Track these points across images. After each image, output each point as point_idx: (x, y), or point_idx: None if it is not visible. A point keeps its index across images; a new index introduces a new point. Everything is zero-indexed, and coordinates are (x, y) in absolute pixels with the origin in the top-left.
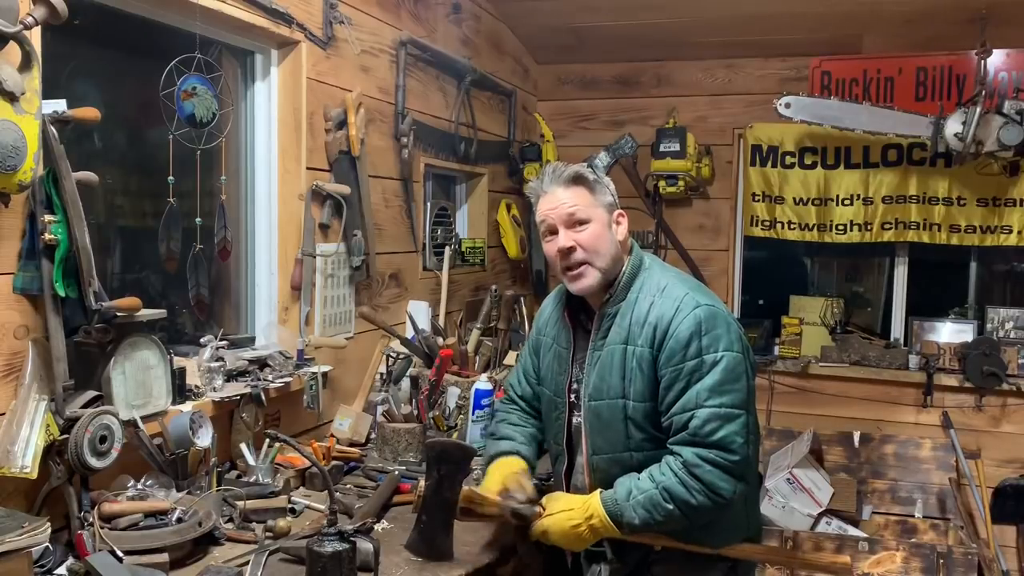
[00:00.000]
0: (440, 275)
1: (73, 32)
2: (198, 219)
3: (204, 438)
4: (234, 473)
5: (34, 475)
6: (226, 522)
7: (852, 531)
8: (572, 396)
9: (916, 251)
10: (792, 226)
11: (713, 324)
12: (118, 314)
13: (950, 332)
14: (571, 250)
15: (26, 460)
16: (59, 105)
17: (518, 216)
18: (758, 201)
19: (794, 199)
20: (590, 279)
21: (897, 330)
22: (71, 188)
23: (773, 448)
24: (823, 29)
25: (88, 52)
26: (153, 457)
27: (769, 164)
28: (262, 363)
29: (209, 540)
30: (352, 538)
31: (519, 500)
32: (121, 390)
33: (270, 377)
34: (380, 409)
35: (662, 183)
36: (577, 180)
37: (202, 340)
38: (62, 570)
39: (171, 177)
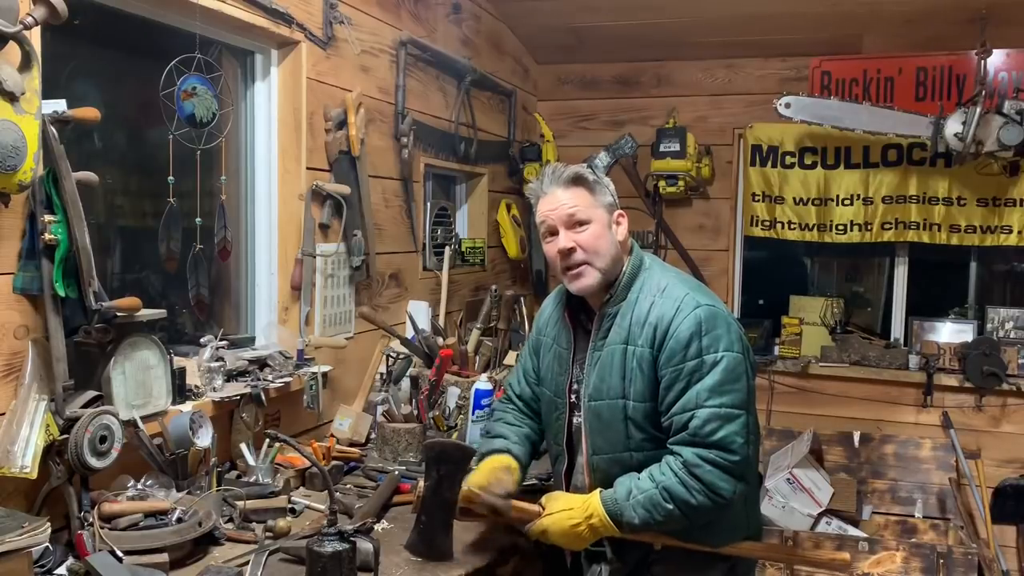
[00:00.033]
0: (440, 275)
1: (73, 32)
2: (198, 219)
3: (204, 438)
4: (234, 473)
5: (34, 475)
6: (226, 522)
7: (852, 531)
8: (572, 396)
9: (916, 251)
10: (792, 226)
11: (713, 324)
12: (118, 314)
13: (950, 332)
14: (571, 251)
15: (26, 460)
16: (59, 105)
17: (518, 216)
18: (758, 201)
19: (794, 199)
20: (590, 279)
21: (897, 330)
22: (71, 188)
23: (773, 448)
24: (823, 29)
25: (88, 52)
26: (153, 457)
27: (769, 164)
28: (262, 363)
29: (209, 540)
30: (352, 538)
31: (496, 494)
32: (121, 390)
33: (270, 377)
34: (380, 409)
35: (662, 183)
36: (577, 181)
37: (202, 340)
38: (62, 570)
39: (171, 177)
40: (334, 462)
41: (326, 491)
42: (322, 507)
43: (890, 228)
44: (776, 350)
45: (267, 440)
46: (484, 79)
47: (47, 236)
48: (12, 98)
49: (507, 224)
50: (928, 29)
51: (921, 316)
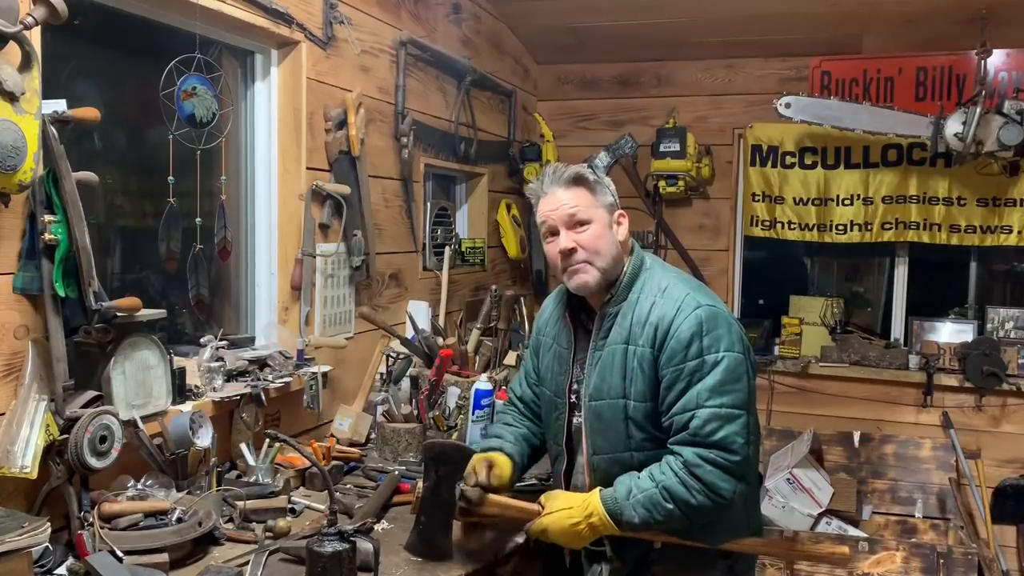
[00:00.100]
0: (440, 275)
1: (73, 32)
2: (198, 219)
3: (204, 438)
4: (234, 473)
5: (34, 475)
6: (226, 522)
7: (852, 531)
8: (572, 396)
9: (916, 251)
10: (792, 226)
11: (714, 324)
12: (118, 314)
13: (950, 332)
14: (572, 251)
15: (26, 460)
16: (59, 105)
17: (518, 216)
18: (758, 201)
19: (794, 199)
20: (589, 277)
21: (897, 330)
22: (71, 188)
23: (773, 448)
24: (823, 29)
25: (88, 52)
26: (153, 457)
27: (769, 164)
28: (262, 363)
29: (209, 540)
30: (352, 538)
31: (469, 484)
32: (121, 390)
33: (270, 377)
34: (380, 409)
35: (662, 183)
36: (578, 181)
37: (202, 340)
38: (62, 570)
39: (171, 177)
40: (334, 462)
41: (326, 491)
42: (322, 507)
43: (890, 228)
44: (776, 350)
45: (267, 440)
46: (484, 79)
47: (47, 236)
48: (12, 98)
49: (507, 224)
50: (928, 29)
51: (921, 316)
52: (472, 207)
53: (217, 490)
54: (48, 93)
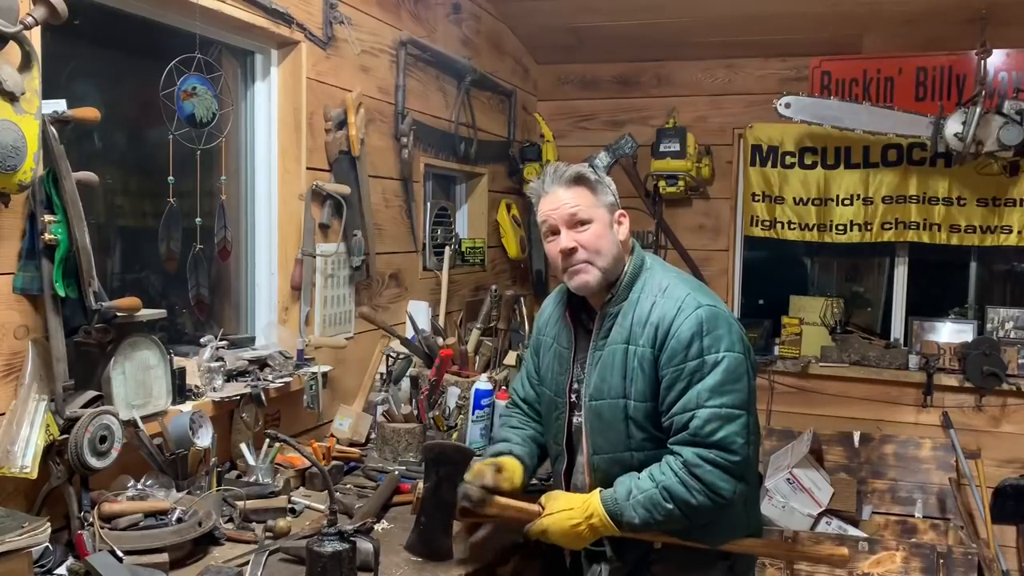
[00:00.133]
0: (440, 275)
1: (73, 32)
2: (198, 219)
3: (204, 438)
4: (234, 473)
5: (34, 475)
6: (226, 522)
7: (852, 531)
8: (573, 396)
9: (916, 251)
10: (792, 226)
11: (715, 324)
12: (118, 314)
13: (950, 332)
14: (573, 251)
15: (26, 460)
16: (59, 105)
17: (518, 216)
18: (758, 201)
19: (794, 199)
20: (590, 276)
21: (897, 330)
22: (71, 188)
23: (773, 448)
24: (823, 29)
25: (88, 52)
26: (153, 457)
27: (769, 164)
28: (262, 363)
29: (209, 540)
30: (352, 538)
31: (471, 485)
32: (121, 390)
33: (270, 377)
34: (380, 409)
35: (662, 183)
36: (579, 180)
37: (202, 340)
38: (62, 570)
39: (171, 177)
40: (334, 462)
41: (326, 491)
42: (322, 507)
43: (890, 228)
44: (776, 350)
45: (267, 440)
46: (484, 79)
47: (47, 236)
48: (12, 98)
49: (507, 224)
50: (928, 29)
51: (921, 316)
52: (472, 207)
53: (217, 490)
54: (48, 93)
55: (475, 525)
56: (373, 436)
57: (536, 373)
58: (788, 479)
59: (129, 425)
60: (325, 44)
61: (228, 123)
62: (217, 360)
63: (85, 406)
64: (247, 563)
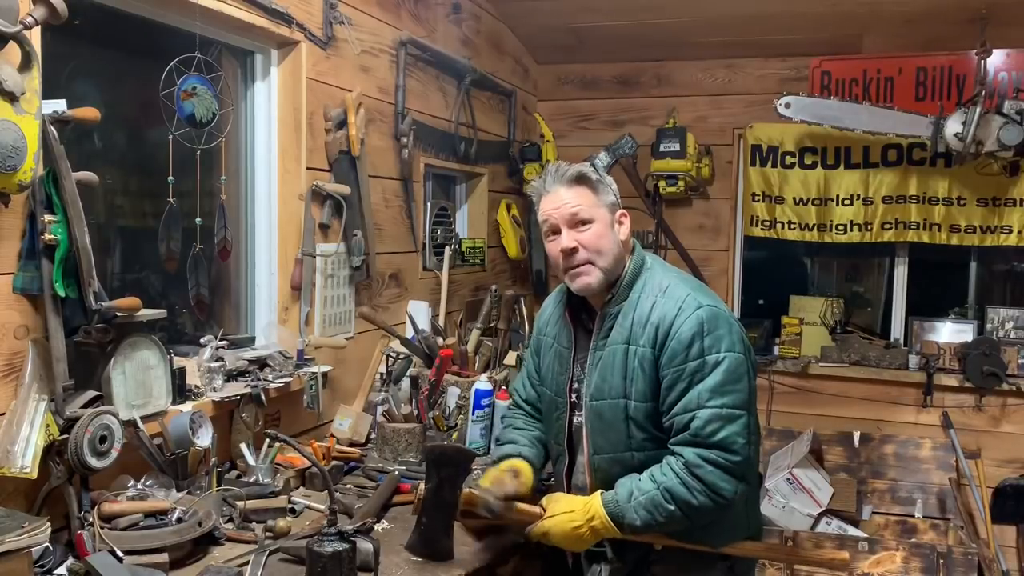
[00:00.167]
0: (440, 275)
1: (73, 32)
2: (198, 219)
3: (204, 438)
4: (234, 473)
5: (34, 475)
6: (226, 522)
7: (852, 531)
8: (573, 396)
9: (916, 251)
10: (792, 226)
11: (715, 325)
12: (118, 314)
13: (950, 332)
14: (574, 250)
15: (26, 460)
16: (59, 105)
17: (518, 216)
18: (758, 201)
19: (794, 199)
20: (592, 278)
21: (897, 330)
22: (71, 188)
23: (773, 448)
24: (823, 29)
25: (88, 52)
26: (153, 457)
27: (769, 164)
28: (262, 363)
29: (209, 540)
30: (352, 538)
31: (494, 495)
32: (121, 390)
33: (270, 377)
34: (380, 409)
35: (662, 183)
36: (580, 180)
37: (202, 340)
38: (62, 570)
39: (171, 177)
40: (334, 462)
41: (326, 491)
42: (322, 507)
43: (890, 228)
44: (776, 350)
45: (267, 440)
46: (484, 79)
47: (47, 236)
48: (12, 98)
49: (507, 224)
50: (928, 29)
51: (921, 316)
52: (472, 207)
53: (217, 490)
54: (48, 93)
55: (481, 529)
56: (373, 436)
57: (537, 373)
58: (788, 479)
59: (129, 425)
60: (325, 44)
61: (228, 123)
62: (217, 360)
63: (85, 406)
64: (247, 563)
